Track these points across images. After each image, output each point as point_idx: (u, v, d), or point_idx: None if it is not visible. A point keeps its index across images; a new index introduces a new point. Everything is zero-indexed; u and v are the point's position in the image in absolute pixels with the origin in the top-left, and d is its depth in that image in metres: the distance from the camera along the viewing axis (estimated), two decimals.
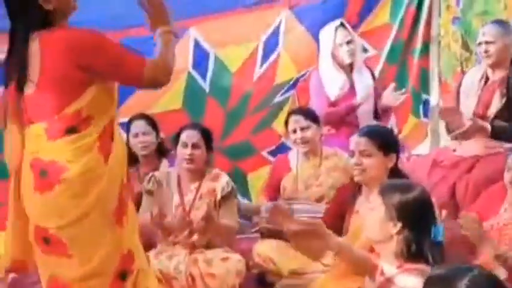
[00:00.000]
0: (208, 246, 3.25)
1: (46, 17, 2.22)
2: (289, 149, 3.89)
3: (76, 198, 2.13)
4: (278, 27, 4.08)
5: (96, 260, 2.15)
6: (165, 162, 3.68)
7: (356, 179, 2.78)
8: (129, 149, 3.51)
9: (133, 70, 2.18)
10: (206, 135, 3.35)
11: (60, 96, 2.14)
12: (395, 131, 4.36)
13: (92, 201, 2.14)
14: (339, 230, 2.71)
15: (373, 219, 2.12)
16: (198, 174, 3.33)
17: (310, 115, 3.61)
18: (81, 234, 2.15)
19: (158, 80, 2.22)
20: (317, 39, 4.09)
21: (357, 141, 2.81)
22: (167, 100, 3.97)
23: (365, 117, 4.03)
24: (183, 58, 3.95)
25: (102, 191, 2.15)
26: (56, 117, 2.14)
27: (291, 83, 4.18)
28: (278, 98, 4.17)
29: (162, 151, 3.72)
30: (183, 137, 3.31)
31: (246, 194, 4.26)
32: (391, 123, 4.42)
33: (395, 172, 2.74)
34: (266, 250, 3.27)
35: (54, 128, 2.15)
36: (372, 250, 2.28)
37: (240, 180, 4.20)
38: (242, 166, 4.24)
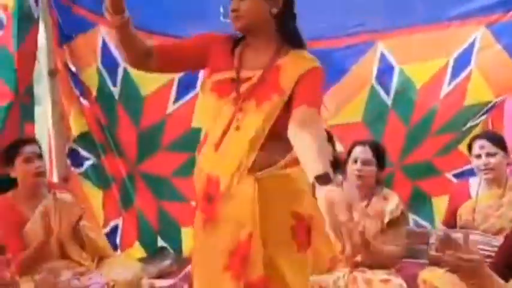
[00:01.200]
0: (372, 265, 3.17)
1: None
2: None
3: None
4: (472, 45, 3.83)
5: None
6: (338, 177, 3.64)
7: None
8: None
9: None
10: (379, 153, 3.27)
11: None
12: None
13: None
14: (508, 274, 2.48)
15: None
16: (368, 192, 3.27)
17: (497, 141, 3.36)
18: None
19: None
20: None
21: None
22: (348, 112, 3.96)
23: None
24: (368, 71, 3.92)
25: None
26: None
27: (489, 106, 3.86)
28: (471, 123, 3.89)
29: (336, 165, 3.68)
30: (355, 152, 3.27)
31: (428, 216, 4.09)
32: None
33: None
34: (432, 278, 3.10)
35: None
36: None
37: (420, 201, 4.06)
38: (423, 186, 4.06)
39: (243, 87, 2.18)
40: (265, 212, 2.15)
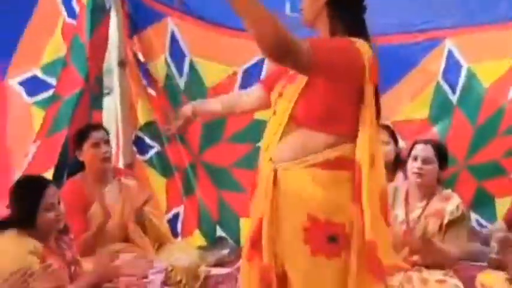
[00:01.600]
0: (429, 265, 3.13)
1: None
2: None
3: None
4: None
5: None
6: (400, 175, 3.60)
7: None
8: None
9: None
10: (441, 151, 3.22)
11: None
12: None
13: None
14: None
15: None
16: (428, 192, 3.21)
17: None
18: None
19: None
20: None
21: None
22: (413, 108, 3.91)
23: None
24: (434, 68, 3.85)
25: None
26: None
27: None
28: None
29: (399, 162, 3.63)
30: (415, 150, 3.22)
31: (491, 217, 3.99)
32: None
33: None
34: (490, 281, 3.04)
35: None
36: None
37: (484, 202, 3.96)
38: (488, 187, 3.96)
39: (289, 74, 2.23)
40: (279, 204, 2.13)
